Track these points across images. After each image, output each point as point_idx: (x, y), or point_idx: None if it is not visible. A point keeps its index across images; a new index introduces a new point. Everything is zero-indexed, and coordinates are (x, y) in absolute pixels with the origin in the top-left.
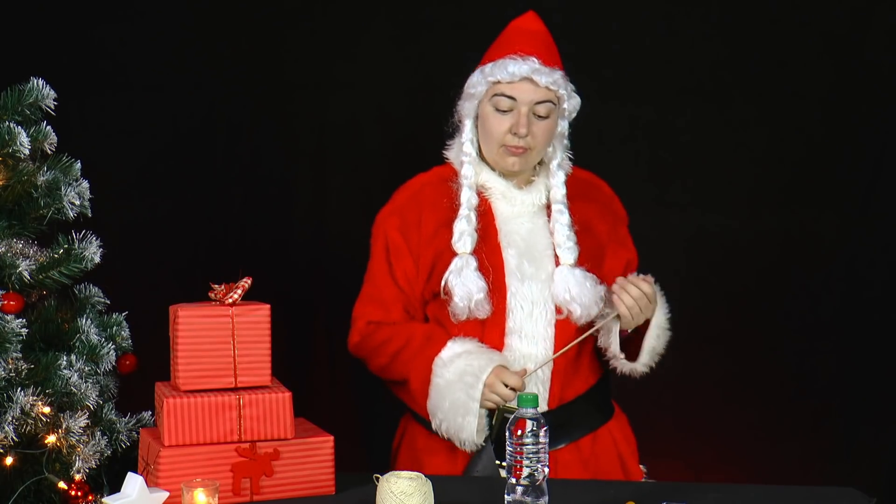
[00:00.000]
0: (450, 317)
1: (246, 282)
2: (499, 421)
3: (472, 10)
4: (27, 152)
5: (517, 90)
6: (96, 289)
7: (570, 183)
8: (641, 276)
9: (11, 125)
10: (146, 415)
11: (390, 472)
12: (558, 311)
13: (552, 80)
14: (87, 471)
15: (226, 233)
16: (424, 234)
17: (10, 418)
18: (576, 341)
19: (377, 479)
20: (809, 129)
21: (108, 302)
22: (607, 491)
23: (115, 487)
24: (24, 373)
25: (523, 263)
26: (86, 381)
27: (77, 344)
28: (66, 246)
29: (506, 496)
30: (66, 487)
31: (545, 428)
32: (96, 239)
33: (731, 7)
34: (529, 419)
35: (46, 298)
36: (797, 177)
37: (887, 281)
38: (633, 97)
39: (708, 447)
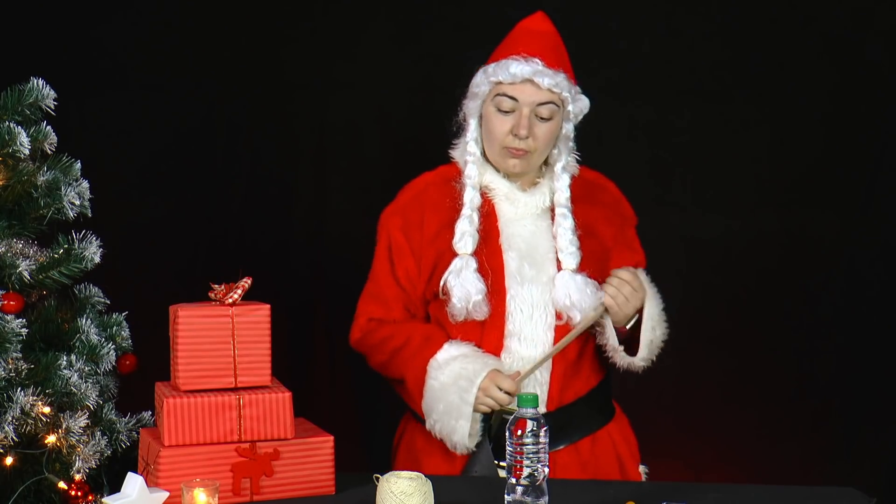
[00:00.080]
0: (449, 317)
1: (246, 282)
2: (497, 421)
3: (472, 10)
4: (27, 152)
5: (519, 91)
6: (96, 289)
7: (576, 184)
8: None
9: (11, 125)
10: (146, 415)
11: (390, 472)
12: (558, 315)
13: (555, 82)
14: (87, 471)
15: (226, 233)
16: (427, 235)
17: (10, 418)
18: (564, 341)
19: (377, 479)
20: (809, 130)
21: (108, 302)
22: (607, 491)
23: (115, 487)
24: (24, 373)
25: (524, 266)
26: (86, 381)
27: (77, 344)
28: (66, 246)
29: (506, 496)
30: (66, 487)
31: (545, 428)
32: (96, 239)
33: (732, 7)
34: (530, 419)
35: (46, 298)
36: (797, 177)
37: (887, 281)
38: (633, 97)
39: (708, 447)
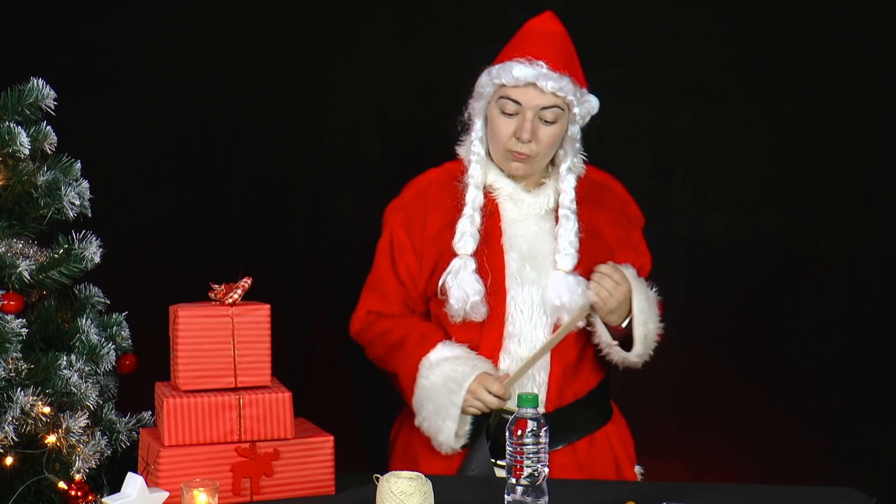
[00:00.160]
0: (447, 317)
1: (246, 282)
2: (496, 420)
3: (472, 10)
4: (27, 152)
5: (522, 95)
6: (96, 289)
7: (582, 185)
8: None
9: (11, 125)
10: (146, 415)
11: (390, 473)
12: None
13: (559, 85)
14: (87, 471)
15: (226, 233)
16: (429, 233)
17: (10, 418)
18: (550, 343)
19: (377, 479)
20: (810, 130)
21: (108, 302)
22: (606, 491)
23: (115, 487)
24: (24, 373)
25: (525, 267)
26: (86, 381)
27: (77, 344)
28: (66, 246)
29: (506, 496)
30: (66, 487)
31: (545, 428)
32: (96, 239)
33: (732, 7)
34: (530, 419)
35: (46, 298)
36: (797, 177)
37: (887, 281)
38: (633, 97)
39: (707, 447)
